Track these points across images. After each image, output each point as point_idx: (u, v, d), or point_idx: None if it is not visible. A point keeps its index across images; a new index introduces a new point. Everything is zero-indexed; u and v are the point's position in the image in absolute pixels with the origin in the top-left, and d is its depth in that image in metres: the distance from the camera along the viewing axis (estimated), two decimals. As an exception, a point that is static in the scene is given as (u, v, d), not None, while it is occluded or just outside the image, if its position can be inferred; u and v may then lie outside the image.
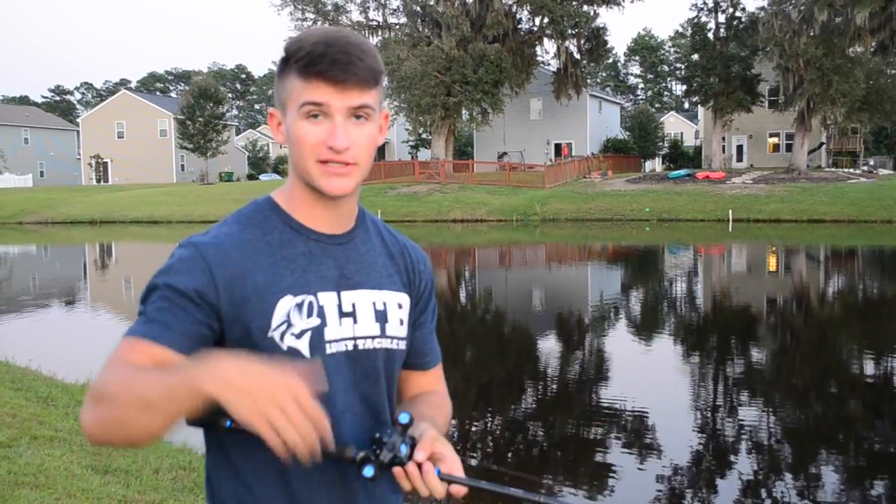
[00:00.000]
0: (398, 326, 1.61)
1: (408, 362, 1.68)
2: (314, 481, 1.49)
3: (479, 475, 6.82)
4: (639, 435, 7.89)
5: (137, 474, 5.48)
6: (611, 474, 6.83)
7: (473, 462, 7.20)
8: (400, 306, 1.62)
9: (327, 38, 1.46)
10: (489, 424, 8.45)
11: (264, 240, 1.52)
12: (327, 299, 1.52)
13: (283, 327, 1.46)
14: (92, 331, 14.65)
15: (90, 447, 6.01)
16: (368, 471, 1.38)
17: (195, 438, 6.66)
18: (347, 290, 1.55)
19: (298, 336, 1.47)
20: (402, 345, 1.62)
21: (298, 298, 1.48)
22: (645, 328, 14.22)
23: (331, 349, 1.51)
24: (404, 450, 1.39)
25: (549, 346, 12.86)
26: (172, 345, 1.39)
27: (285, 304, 1.47)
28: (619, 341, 12.94)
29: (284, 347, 1.46)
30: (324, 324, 1.50)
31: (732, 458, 7.17)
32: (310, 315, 1.49)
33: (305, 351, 1.48)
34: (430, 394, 1.72)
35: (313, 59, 1.43)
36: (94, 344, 13.20)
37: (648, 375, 10.45)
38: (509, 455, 7.44)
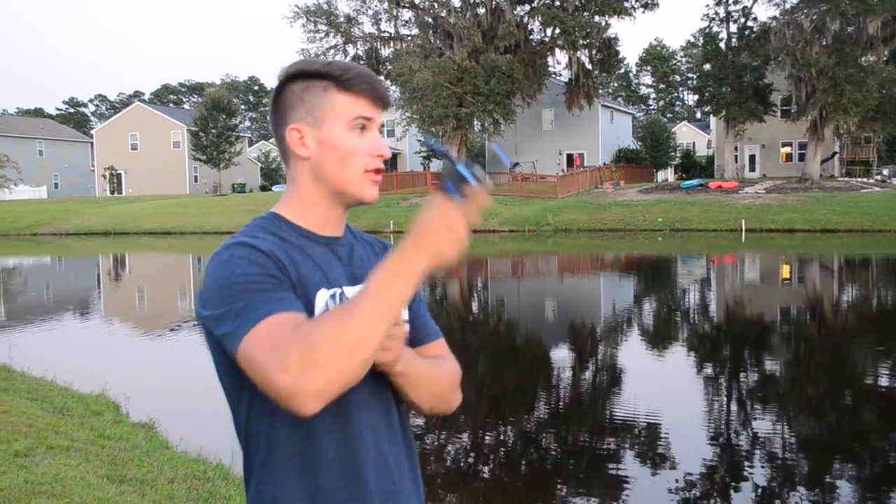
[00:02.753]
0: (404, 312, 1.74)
1: (419, 339, 1.79)
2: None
3: (492, 485, 6.83)
4: (653, 446, 7.88)
5: (153, 484, 5.51)
6: (624, 485, 6.82)
7: (486, 471, 7.21)
8: None
9: (358, 65, 1.66)
10: (502, 434, 8.45)
11: (286, 243, 1.61)
12: (350, 293, 1.64)
13: None
14: (106, 342, 14.73)
15: (106, 457, 6.05)
16: (450, 188, 1.47)
17: (209, 448, 6.70)
18: (357, 284, 1.65)
19: None
20: (407, 327, 1.72)
21: (332, 291, 1.61)
22: (658, 339, 14.18)
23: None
24: (464, 169, 1.48)
25: (562, 357, 12.84)
26: (297, 309, 1.48)
27: (323, 296, 1.59)
28: (632, 352, 12.92)
29: None
30: None
31: (747, 469, 7.15)
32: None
33: None
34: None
35: (361, 78, 1.63)
36: (108, 355, 13.28)
37: (662, 386, 10.43)
38: (523, 465, 7.44)
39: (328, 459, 1.55)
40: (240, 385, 1.55)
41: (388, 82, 49.61)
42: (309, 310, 1.54)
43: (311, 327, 1.40)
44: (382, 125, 1.69)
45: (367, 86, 1.62)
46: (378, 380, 1.62)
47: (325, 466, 1.55)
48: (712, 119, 63.05)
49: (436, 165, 64.99)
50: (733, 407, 9.40)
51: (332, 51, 52.23)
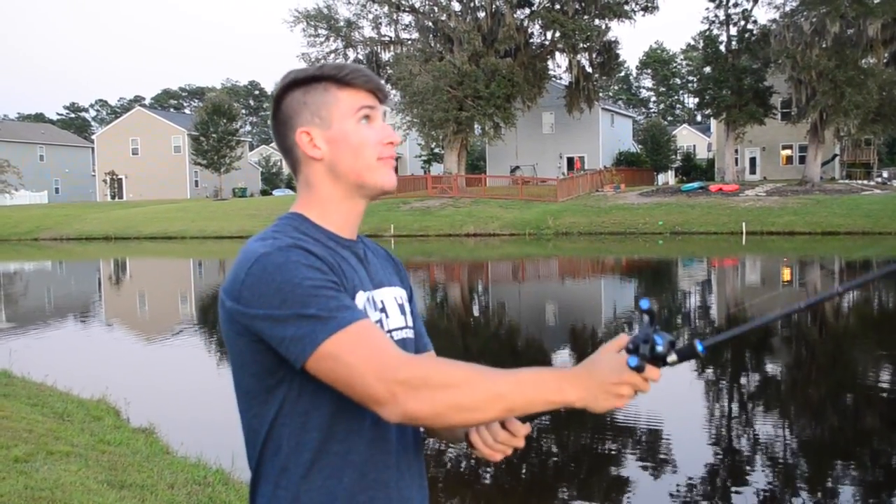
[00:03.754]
0: (410, 317, 1.81)
1: (417, 347, 1.84)
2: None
3: (493, 490, 6.81)
4: (653, 449, 7.87)
5: (153, 489, 5.50)
6: (625, 488, 6.81)
7: (487, 477, 7.20)
8: (406, 300, 1.82)
9: (349, 63, 1.74)
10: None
11: (318, 244, 1.61)
12: (376, 297, 1.69)
13: None
14: (107, 347, 14.73)
15: (106, 462, 6.04)
16: (632, 361, 1.41)
17: (209, 453, 6.69)
18: (376, 289, 1.71)
19: None
20: (413, 333, 1.82)
21: (367, 294, 1.65)
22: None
23: (391, 338, 1.67)
24: (661, 342, 1.42)
25: (563, 360, 12.83)
26: (369, 317, 1.56)
27: (361, 298, 1.62)
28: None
29: None
30: (381, 317, 1.68)
31: (748, 472, 7.14)
32: (375, 309, 1.66)
33: None
34: None
35: (360, 74, 1.66)
36: (108, 360, 13.27)
37: (663, 389, 10.41)
38: (523, 469, 7.42)
39: (353, 462, 1.57)
40: (270, 387, 1.56)
41: (389, 86, 49.65)
42: None
43: (434, 363, 1.48)
44: (385, 113, 1.72)
45: (365, 78, 1.66)
46: None
47: (350, 470, 1.57)
48: (713, 122, 63.10)
49: (436, 170, 65.03)
50: (734, 409, 9.39)
51: (332, 55, 52.26)
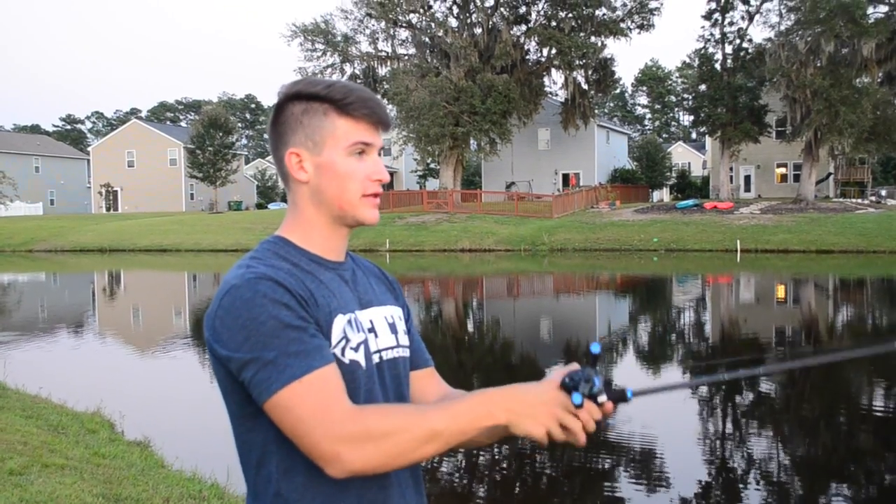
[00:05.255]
0: (404, 336, 1.79)
1: (415, 364, 1.84)
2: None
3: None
4: (647, 465, 7.87)
5: (148, 502, 5.50)
6: (619, 505, 6.82)
7: (482, 492, 7.20)
8: (401, 318, 1.81)
9: (356, 85, 1.65)
10: (496, 454, 8.44)
11: (297, 269, 1.61)
12: (363, 317, 1.67)
13: (343, 343, 1.59)
14: (101, 359, 14.70)
15: (101, 476, 6.04)
16: (577, 398, 1.49)
17: (205, 467, 6.69)
18: (364, 309, 1.70)
19: (356, 349, 1.61)
20: (408, 352, 1.80)
21: (348, 316, 1.62)
22: (653, 358, 14.19)
23: (375, 359, 1.66)
24: (598, 383, 1.51)
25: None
26: (330, 359, 1.52)
27: (340, 322, 1.60)
28: (627, 371, 12.92)
29: (347, 361, 1.59)
30: (367, 337, 1.66)
31: (742, 489, 7.15)
32: (358, 330, 1.64)
33: (363, 362, 1.62)
34: (450, 391, 1.91)
35: (362, 102, 1.62)
36: (103, 372, 13.24)
37: (657, 405, 10.42)
38: (517, 485, 7.43)
39: (348, 485, 1.57)
40: (253, 413, 1.56)
41: (385, 101, 49.78)
42: (328, 336, 1.56)
43: (375, 413, 1.47)
44: (382, 148, 1.70)
45: (368, 110, 1.62)
46: (387, 379, 1.70)
47: (346, 494, 1.57)
48: (707, 139, 63.37)
49: (432, 185, 65.12)
50: (728, 427, 9.40)
51: (329, 69, 52.42)
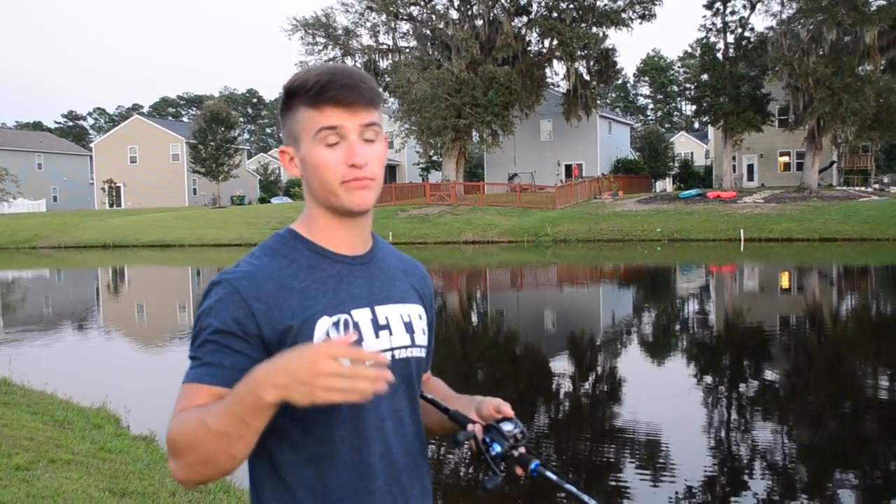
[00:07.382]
0: (422, 336, 1.75)
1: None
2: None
3: (492, 496, 6.82)
4: (653, 455, 7.88)
5: (154, 497, 5.51)
6: (624, 495, 6.82)
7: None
8: (420, 317, 1.76)
9: (329, 69, 1.59)
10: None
11: (293, 266, 1.61)
12: (361, 315, 1.62)
13: None
14: (106, 354, 14.73)
15: (107, 470, 6.06)
16: (497, 447, 1.66)
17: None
18: (380, 305, 1.67)
19: None
20: (424, 353, 1.76)
21: (334, 318, 1.58)
22: (658, 349, 14.19)
23: (393, 357, 1.64)
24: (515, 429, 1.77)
25: (561, 367, 12.84)
26: (228, 383, 1.46)
27: (323, 325, 1.56)
28: (632, 362, 12.92)
29: None
30: (360, 339, 1.60)
31: (747, 479, 7.15)
32: (348, 331, 1.58)
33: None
34: (432, 379, 1.95)
35: (322, 88, 1.55)
36: (108, 367, 13.27)
37: (663, 396, 10.43)
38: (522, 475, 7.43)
39: (336, 490, 1.57)
40: None
41: (387, 94, 49.76)
42: (309, 341, 1.53)
43: (178, 424, 1.44)
44: (372, 124, 1.58)
45: (330, 94, 1.55)
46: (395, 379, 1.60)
47: (334, 498, 1.58)
48: (710, 129, 63.24)
49: (434, 177, 65.06)
50: (733, 416, 9.40)
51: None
